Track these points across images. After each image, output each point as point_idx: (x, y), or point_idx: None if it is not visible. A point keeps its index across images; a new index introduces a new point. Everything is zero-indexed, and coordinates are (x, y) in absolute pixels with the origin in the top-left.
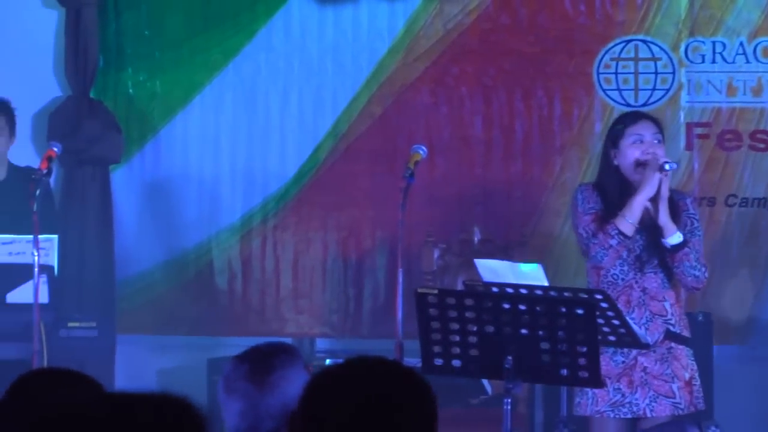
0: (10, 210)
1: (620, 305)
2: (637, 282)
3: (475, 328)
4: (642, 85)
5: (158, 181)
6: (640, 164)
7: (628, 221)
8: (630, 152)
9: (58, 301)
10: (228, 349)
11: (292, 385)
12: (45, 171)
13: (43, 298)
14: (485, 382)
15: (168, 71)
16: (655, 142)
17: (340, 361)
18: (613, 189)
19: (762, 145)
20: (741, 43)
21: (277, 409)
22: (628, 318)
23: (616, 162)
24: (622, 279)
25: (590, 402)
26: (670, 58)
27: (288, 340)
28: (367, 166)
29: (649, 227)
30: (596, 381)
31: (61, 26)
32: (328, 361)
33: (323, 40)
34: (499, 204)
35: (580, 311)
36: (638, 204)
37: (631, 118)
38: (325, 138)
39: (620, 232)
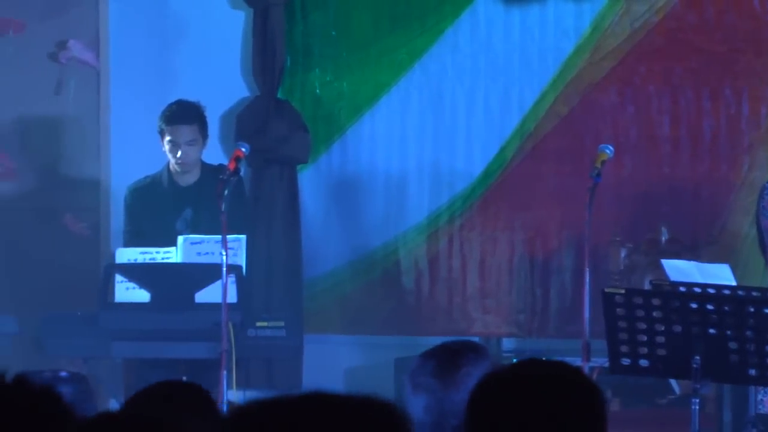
0: (208, 208)
1: None
2: None
3: (662, 328)
4: None
5: (345, 181)
6: None
7: None
8: None
9: (246, 301)
10: (415, 349)
11: None
12: (233, 171)
13: (232, 297)
14: (673, 381)
15: (355, 71)
16: None
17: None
18: None
19: None
20: None
21: (462, 406)
22: None
23: None
24: None
25: None
26: None
27: (475, 340)
28: (553, 166)
29: None
30: None
31: (248, 27)
32: (514, 361)
33: (509, 40)
34: (686, 203)
35: None
36: None
37: None
38: (512, 137)
39: None
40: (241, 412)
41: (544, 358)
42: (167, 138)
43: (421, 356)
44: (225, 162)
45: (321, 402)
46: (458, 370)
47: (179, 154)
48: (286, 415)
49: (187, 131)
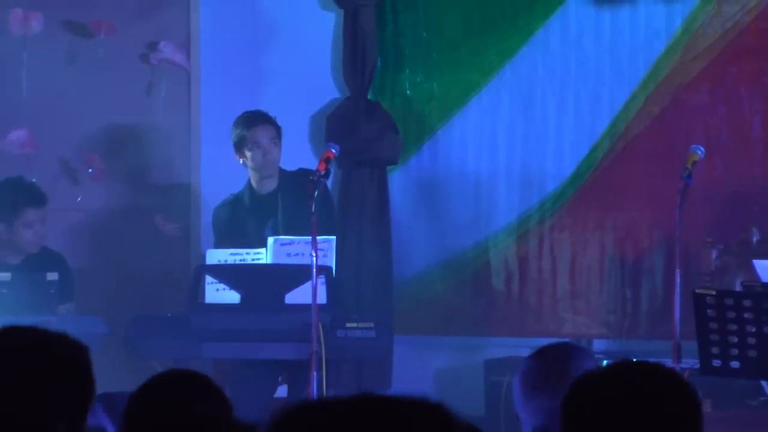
0: (288, 214)
1: None
2: None
3: (753, 329)
4: None
5: (435, 182)
6: None
7: None
8: None
9: (336, 302)
10: (505, 350)
11: None
12: (323, 172)
13: (322, 298)
14: (764, 383)
15: (445, 72)
16: None
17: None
18: None
19: None
20: None
21: None
22: None
23: None
24: None
25: None
26: None
27: (565, 341)
28: (644, 166)
29: None
30: None
31: (338, 28)
32: (605, 362)
33: (600, 41)
34: None
35: None
36: None
37: None
38: (602, 138)
39: None
40: (287, 413)
41: (635, 359)
42: (249, 143)
43: (532, 359)
44: (304, 167)
45: (369, 403)
46: (568, 373)
47: (265, 154)
48: (333, 417)
49: (268, 130)
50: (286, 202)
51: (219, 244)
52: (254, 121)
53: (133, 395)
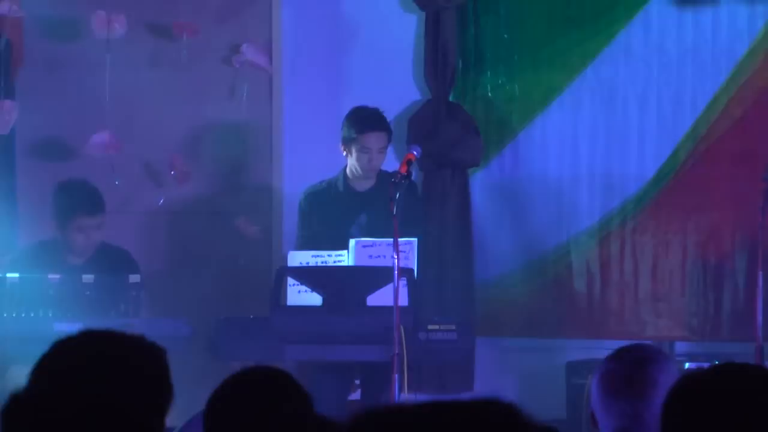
0: (384, 214)
1: None
2: None
3: None
4: None
5: (517, 184)
6: None
7: None
8: None
9: (418, 304)
10: (586, 352)
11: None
12: (404, 174)
13: (403, 301)
14: None
15: (527, 74)
16: None
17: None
18: None
19: None
20: None
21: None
22: None
23: None
24: None
25: None
26: None
27: (644, 343)
28: (726, 168)
29: None
30: None
31: (420, 30)
32: (687, 365)
33: (682, 42)
34: None
35: None
36: None
37: None
38: (684, 139)
39: None
40: (360, 417)
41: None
42: (358, 146)
43: (611, 360)
44: (396, 165)
45: (441, 408)
46: (652, 375)
47: (370, 160)
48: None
49: (380, 138)
50: (380, 203)
51: (303, 231)
52: (368, 126)
53: (216, 393)
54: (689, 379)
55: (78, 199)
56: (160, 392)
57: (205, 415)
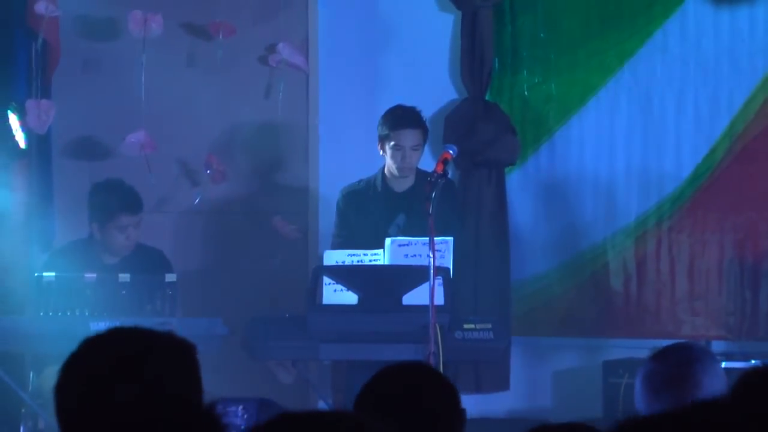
0: (422, 214)
1: None
2: None
3: None
4: None
5: (553, 183)
6: None
7: None
8: None
9: (454, 303)
10: (623, 351)
11: (714, 387)
12: (440, 173)
13: (439, 299)
14: None
15: (563, 74)
16: None
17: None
18: None
19: None
20: None
21: None
22: None
23: None
24: None
25: None
26: None
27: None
28: (763, 167)
29: None
30: None
31: (456, 29)
32: (724, 364)
33: (719, 41)
34: None
35: None
36: None
37: None
38: (721, 139)
39: None
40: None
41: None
42: (391, 143)
43: (654, 360)
44: (432, 164)
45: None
46: (696, 375)
47: (404, 158)
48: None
49: (413, 136)
50: (418, 203)
51: (340, 230)
52: (402, 123)
53: (367, 384)
54: (758, 371)
55: (119, 199)
56: (189, 387)
57: (356, 402)
